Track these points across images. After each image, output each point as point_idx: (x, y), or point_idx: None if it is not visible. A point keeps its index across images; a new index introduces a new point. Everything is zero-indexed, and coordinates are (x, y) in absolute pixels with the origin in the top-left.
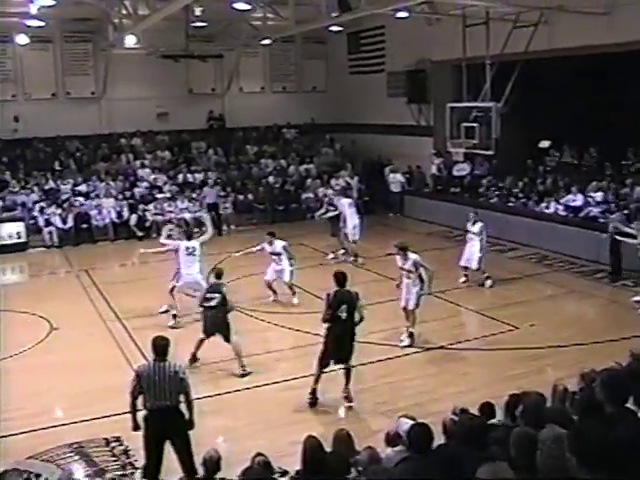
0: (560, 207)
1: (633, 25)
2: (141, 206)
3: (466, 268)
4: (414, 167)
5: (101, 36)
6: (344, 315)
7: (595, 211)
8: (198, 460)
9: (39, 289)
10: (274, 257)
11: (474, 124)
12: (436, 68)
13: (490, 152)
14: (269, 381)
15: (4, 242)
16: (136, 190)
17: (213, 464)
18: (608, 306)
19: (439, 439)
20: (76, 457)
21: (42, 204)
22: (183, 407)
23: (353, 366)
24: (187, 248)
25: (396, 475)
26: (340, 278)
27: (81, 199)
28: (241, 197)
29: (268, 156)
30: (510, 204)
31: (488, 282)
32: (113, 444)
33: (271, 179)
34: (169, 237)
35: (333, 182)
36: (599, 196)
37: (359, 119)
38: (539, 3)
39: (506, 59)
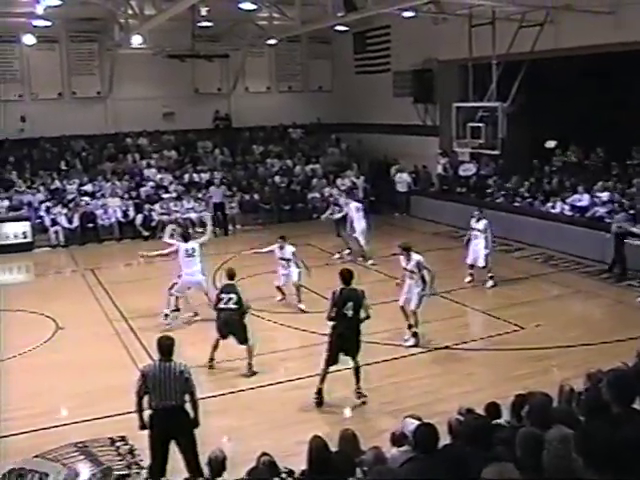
0: (566, 207)
1: (639, 24)
2: (147, 206)
3: (472, 267)
4: (420, 167)
5: (107, 36)
6: (350, 313)
7: (601, 211)
8: (203, 460)
9: (45, 288)
10: (282, 262)
11: (480, 124)
12: (442, 68)
13: (496, 152)
14: (275, 381)
15: (10, 241)
16: (142, 190)
17: (218, 464)
18: (614, 306)
19: (444, 439)
20: (81, 456)
21: (48, 204)
22: (188, 407)
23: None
24: (186, 250)
25: (402, 475)
26: (346, 276)
27: (87, 199)
28: (247, 197)
29: (274, 156)
30: (516, 204)
31: (490, 283)
32: (118, 443)
33: (277, 179)
34: (172, 237)
35: (339, 182)
36: (605, 196)
37: (365, 119)
38: (545, 3)
39: (512, 59)
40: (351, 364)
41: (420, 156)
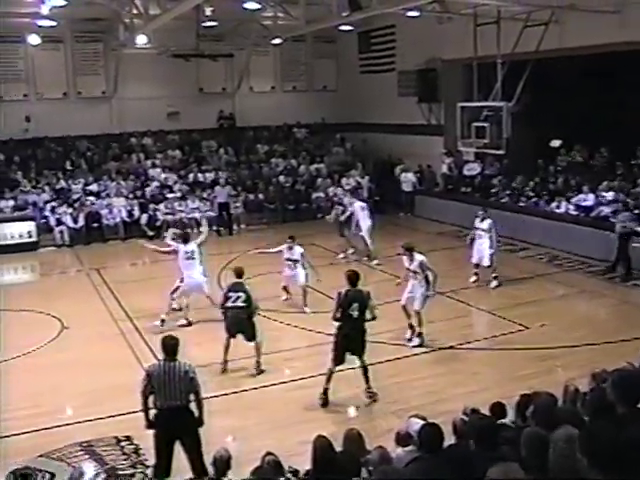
0: (571, 207)
1: None
2: (152, 205)
3: (477, 266)
4: (425, 166)
5: (112, 36)
6: (355, 314)
7: (606, 211)
8: (208, 459)
9: (50, 288)
10: (289, 263)
11: (485, 123)
12: (447, 67)
13: (501, 152)
14: (279, 380)
15: (15, 241)
16: (147, 189)
17: (223, 463)
18: (619, 306)
19: (449, 439)
20: (87, 456)
21: (53, 203)
22: (193, 406)
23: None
24: (186, 252)
25: (407, 475)
26: (352, 278)
27: (92, 198)
28: (252, 196)
29: (279, 155)
30: (521, 204)
31: (494, 283)
32: (123, 443)
33: (282, 178)
34: (174, 240)
35: (344, 181)
36: (610, 195)
37: (370, 118)
38: (550, 2)
39: (517, 58)
40: (357, 363)
41: (425, 156)
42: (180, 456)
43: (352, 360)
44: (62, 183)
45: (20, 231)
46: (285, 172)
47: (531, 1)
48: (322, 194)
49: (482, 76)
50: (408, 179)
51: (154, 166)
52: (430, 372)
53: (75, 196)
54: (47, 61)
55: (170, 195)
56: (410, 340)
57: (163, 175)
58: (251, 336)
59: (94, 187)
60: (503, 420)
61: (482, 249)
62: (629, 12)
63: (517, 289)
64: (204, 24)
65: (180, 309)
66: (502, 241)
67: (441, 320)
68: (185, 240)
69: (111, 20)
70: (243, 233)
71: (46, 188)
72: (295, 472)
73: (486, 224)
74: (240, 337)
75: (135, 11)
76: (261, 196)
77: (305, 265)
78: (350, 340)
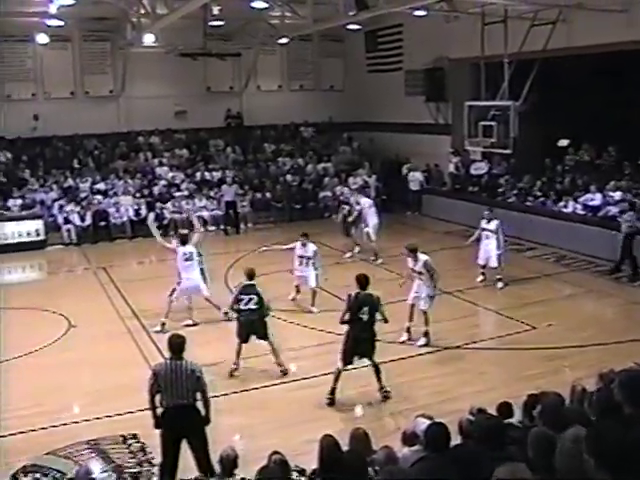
0: (578, 206)
1: None
2: (159, 204)
3: (484, 267)
4: (432, 166)
5: (120, 35)
6: (365, 317)
7: (614, 210)
8: (215, 458)
9: (57, 286)
10: (301, 260)
11: (492, 123)
12: (454, 66)
13: (508, 151)
14: (286, 379)
15: (23, 239)
16: (154, 188)
17: (230, 462)
18: (627, 306)
19: (455, 439)
20: (93, 454)
21: (61, 202)
22: (199, 405)
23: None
24: (184, 254)
25: (413, 475)
26: (362, 281)
27: (99, 197)
28: (259, 195)
29: (286, 154)
30: (528, 203)
31: (500, 284)
32: (130, 441)
33: (289, 177)
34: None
35: (351, 181)
36: (618, 195)
37: (377, 117)
38: (557, 1)
39: (524, 57)
40: (367, 363)
41: (432, 155)
42: (186, 455)
43: (360, 360)
44: (70, 182)
45: (28, 229)
46: (292, 171)
47: (538, 0)
48: (329, 193)
49: (489, 75)
50: (415, 178)
51: (161, 165)
52: (437, 372)
53: (83, 195)
54: (55, 60)
55: (177, 194)
56: (405, 342)
57: (170, 174)
58: (264, 335)
59: (101, 186)
60: (510, 420)
61: (489, 250)
62: (637, 11)
63: (524, 289)
64: (211, 23)
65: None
66: (509, 241)
67: (448, 320)
68: (183, 242)
69: (119, 19)
70: (250, 232)
71: (54, 187)
72: (302, 471)
73: (493, 225)
74: (252, 339)
75: (142, 10)
76: (268, 195)
77: (317, 265)
78: (359, 343)
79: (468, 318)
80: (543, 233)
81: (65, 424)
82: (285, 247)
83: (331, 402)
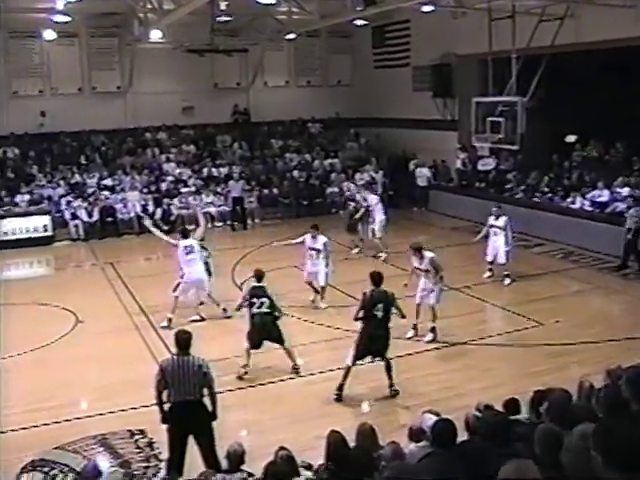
0: (586, 202)
1: None
2: (166, 200)
3: (492, 263)
4: (439, 161)
5: (127, 31)
6: (380, 314)
7: (622, 206)
8: (222, 454)
9: (65, 282)
10: (311, 252)
11: (499, 118)
12: (461, 62)
13: (515, 147)
14: (293, 375)
15: (31, 235)
16: (161, 184)
17: (237, 457)
18: (634, 303)
19: (462, 435)
20: (101, 449)
21: (68, 198)
22: (207, 400)
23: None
24: (185, 247)
25: (419, 471)
26: (376, 278)
27: (107, 193)
28: (266, 191)
29: (293, 150)
30: (535, 199)
31: (507, 280)
32: (137, 436)
33: (296, 173)
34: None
35: (358, 176)
36: (626, 191)
37: (384, 113)
38: None
39: (532, 53)
40: (378, 360)
41: (439, 151)
42: (193, 450)
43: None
44: (77, 177)
45: (35, 225)
46: (299, 167)
47: None
48: (336, 189)
49: (497, 71)
50: (423, 174)
51: (168, 160)
52: (444, 368)
53: (90, 190)
54: (62, 56)
55: (184, 189)
56: (411, 338)
57: (177, 170)
58: (278, 338)
59: (109, 181)
60: (517, 416)
61: (497, 246)
62: None
63: (531, 285)
64: (218, 19)
65: (201, 303)
66: (516, 237)
67: (455, 315)
68: (184, 235)
69: (126, 15)
70: (257, 228)
71: (61, 182)
72: (308, 467)
73: (502, 221)
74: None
75: (150, 6)
76: (275, 191)
77: (328, 258)
78: (374, 340)
79: (475, 314)
80: (550, 229)
81: (73, 419)
82: (295, 241)
83: (339, 398)
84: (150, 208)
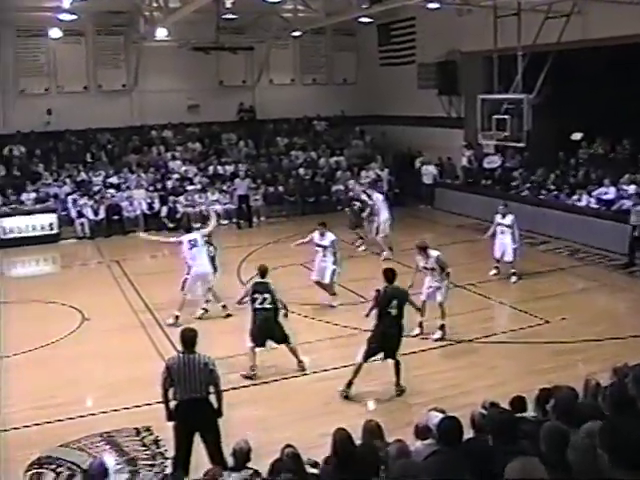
0: (592, 200)
1: None
2: (172, 198)
3: (498, 260)
4: (445, 159)
5: (132, 29)
6: (394, 312)
7: (628, 204)
8: (228, 451)
9: (71, 280)
10: (318, 249)
11: (505, 116)
12: (467, 59)
13: (521, 144)
14: (299, 373)
15: (37, 233)
16: (167, 182)
17: (243, 455)
18: None
19: (468, 433)
20: (107, 446)
21: (74, 196)
22: (212, 398)
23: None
24: (189, 241)
25: (425, 469)
26: (389, 275)
27: (112, 191)
28: (271, 189)
29: (298, 148)
30: (541, 197)
31: (513, 278)
32: (143, 434)
33: (301, 171)
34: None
35: (363, 174)
36: (632, 189)
37: (389, 111)
38: None
39: (538, 50)
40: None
41: (445, 148)
42: (199, 448)
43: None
44: (83, 175)
45: (42, 223)
46: (305, 165)
47: None
48: (342, 187)
49: (502, 68)
50: (429, 172)
51: (174, 158)
52: (450, 365)
53: (96, 188)
54: (68, 54)
55: (190, 187)
56: (417, 336)
57: (183, 168)
58: (282, 338)
59: (114, 179)
60: (523, 414)
61: (505, 244)
62: None
63: (538, 282)
64: (224, 17)
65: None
66: (522, 234)
67: (461, 313)
68: (187, 230)
69: (132, 13)
70: (263, 225)
71: (67, 180)
72: (314, 464)
73: (509, 219)
74: (269, 344)
75: (155, 4)
76: (281, 189)
77: (336, 256)
78: (387, 339)
79: (481, 311)
80: (556, 227)
81: (79, 416)
82: (305, 240)
83: (346, 395)
84: (156, 206)
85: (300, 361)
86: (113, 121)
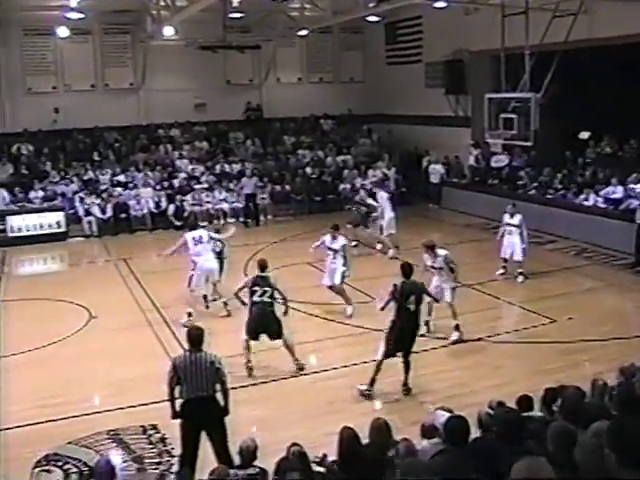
0: (600, 199)
1: None
2: (179, 196)
3: (506, 260)
4: (452, 158)
5: (140, 28)
6: (412, 307)
7: (635, 203)
8: (234, 450)
9: (78, 278)
10: (329, 252)
11: (512, 115)
12: (474, 58)
13: (529, 143)
14: (305, 371)
15: (45, 231)
16: (174, 180)
17: (249, 453)
18: None
19: (475, 432)
20: (114, 444)
21: (81, 194)
22: (219, 396)
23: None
24: (193, 238)
25: (432, 468)
26: (406, 269)
27: (120, 189)
28: (278, 188)
29: (305, 147)
30: (548, 196)
31: (520, 278)
32: (150, 432)
33: (308, 170)
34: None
35: (370, 173)
36: None
37: (396, 110)
38: None
39: (545, 49)
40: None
41: (452, 147)
42: (206, 446)
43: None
44: (90, 174)
45: (49, 221)
46: (312, 163)
47: None
48: (349, 185)
49: (510, 67)
50: (436, 171)
51: (181, 157)
52: (456, 365)
53: (103, 187)
54: (75, 53)
55: (197, 186)
56: (423, 335)
57: (190, 166)
58: (277, 333)
59: (122, 178)
60: (530, 413)
61: (513, 243)
62: None
63: (544, 282)
64: (231, 15)
65: (190, 314)
66: (529, 234)
67: (468, 312)
68: (192, 228)
69: (139, 12)
70: (270, 224)
71: (74, 179)
72: (321, 462)
73: (517, 219)
74: (263, 338)
75: (162, 3)
76: (288, 187)
77: (346, 259)
78: (405, 335)
79: (488, 311)
80: (563, 226)
81: (86, 414)
82: (318, 243)
83: (370, 394)
84: (163, 204)
85: (296, 359)
86: (120, 120)
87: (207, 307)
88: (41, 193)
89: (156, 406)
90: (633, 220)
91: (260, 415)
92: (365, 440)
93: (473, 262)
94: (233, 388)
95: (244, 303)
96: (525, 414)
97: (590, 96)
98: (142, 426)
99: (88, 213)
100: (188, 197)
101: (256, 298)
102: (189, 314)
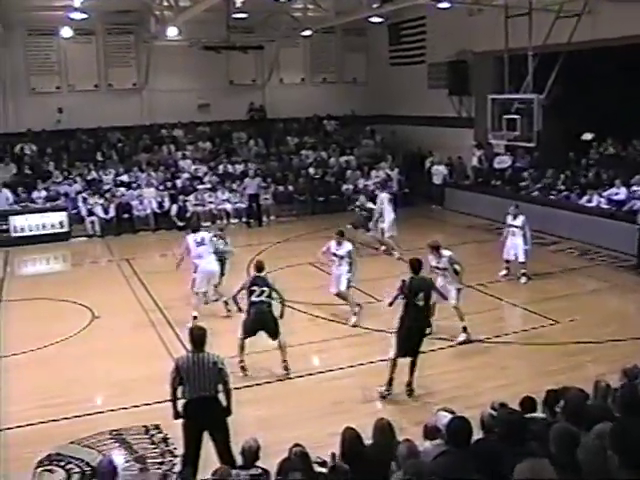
0: (603, 200)
1: None
2: (182, 197)
3: (509, 262)
4: (455, 159)
5: (143, 28)
6: (421, 303)
7: (639, 204)
8: (237, 450)
9: (81, 278)
10: (334, 258)
11: (516, 116)
12: (478, 59)
13: (532, 144)
14: (309, 372)
15: (48, 231)
16: (177, 181)
17: (252, 454)
18: None
19: (477, 434)
20: (116, 444)
21: (85, 194)
22: (222, 396)
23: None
24: (195, 240)
25: (434, 469)
26: (415, 265)
27: (123, 189)
28: (281, 188)
29: (308, 147)
30: (552, 197)
31: (523, 279)
32: (152, 432)
33: (311, 170)
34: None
35: (373, 174)
36: None
37: (400, 111)
38: None
39: (549, 50)
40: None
41: (455, 148)
42: (208, 446)
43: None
44: (93, 174)
45: (52, 221)
46: (315, 164)
47: None
48: (352, 186)
49: (513, 68)
50: (439, 172)
51: (184, 157)
52: (460, 365)
53: (106, 187)
54: (79, 53)
55: (200, 186)
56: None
57: (193, 166)
58: (275, 332)
59: (125, 178)
60: (533, 415)
61: (516, 245)
62: None
63: (548, 283)
64: (234, 16)
65: (195, 318)
66: (533, 235)
67: (471, 313)
68: (195, 230)
69: (142, 12)
70: (272, 225)
71: (78, 179)
72: (323, 463)
73: (519, 221)
74: (260, 334)
75: (166, 3)
76: (291, 188)
77: (352, 265)
78: (413, 334)
79: (491, 312)
80: (567, 227)
81: (88, 414)
82: (323, 250)
83: (389, 393)
84: (166, 205)
85: (284, 360)
86: (124, 120)
87: (206, 302)
88: (44, 193)
89: (159, 406)
90: (636, 221)
91: (263, 415)
92: (368, 441)
93: (476, 263)
94: (237, 388)
95: (240, 309)
96: (528, 415)
97: (593, 97)
98: (145, 426)
99: (91, 213)
100: (191, 197)
101: (254, 298)
102: (194, 317)
